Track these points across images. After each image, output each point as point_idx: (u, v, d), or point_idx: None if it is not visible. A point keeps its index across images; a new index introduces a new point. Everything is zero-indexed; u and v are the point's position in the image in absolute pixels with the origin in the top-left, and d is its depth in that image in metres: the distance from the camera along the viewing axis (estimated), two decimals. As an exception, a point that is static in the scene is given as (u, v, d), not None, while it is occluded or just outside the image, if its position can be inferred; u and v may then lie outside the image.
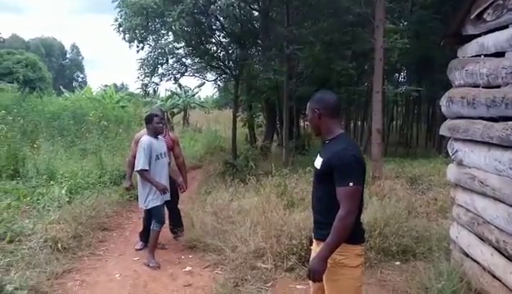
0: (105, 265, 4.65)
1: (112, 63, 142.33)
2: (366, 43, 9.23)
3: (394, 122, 21.62)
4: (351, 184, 2.13)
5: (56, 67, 61.55)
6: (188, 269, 4.52)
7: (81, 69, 71.92)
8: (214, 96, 33.22)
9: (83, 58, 73.92)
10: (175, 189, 5.39)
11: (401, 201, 5.90)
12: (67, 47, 70.78)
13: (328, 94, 2.46)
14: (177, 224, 5.49)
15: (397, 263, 4.44)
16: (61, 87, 26.17)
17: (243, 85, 11.30)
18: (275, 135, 16.36)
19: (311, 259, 2.39)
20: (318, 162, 2.35)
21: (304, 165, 9.78)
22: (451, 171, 3.53)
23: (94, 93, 23.28)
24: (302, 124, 18.51)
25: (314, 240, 2.46)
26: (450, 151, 3.45)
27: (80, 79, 67.91)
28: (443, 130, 3.47)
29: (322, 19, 9.74)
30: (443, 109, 3.45)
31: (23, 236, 4.77)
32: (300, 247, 4.34)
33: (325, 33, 9.26)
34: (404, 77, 20.15)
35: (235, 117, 10.21)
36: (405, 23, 13.00)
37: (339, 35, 9.71)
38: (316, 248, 2.40)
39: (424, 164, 10.09)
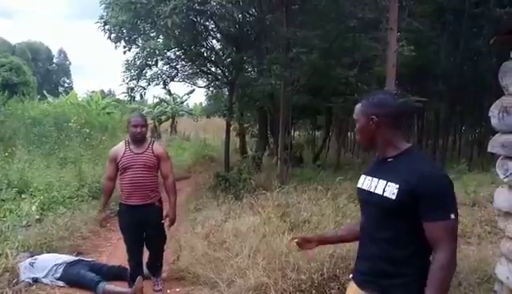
0: (73, 303, 3.88)
1: (101, 69, 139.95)
2: (368, 50, 8.64)
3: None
4: (452, 216, 1.59)
5: (42, 72, 60.05)
6: (175, 308, 3.78)
7: (68, 74, 70.23)
8: (203, 104, 32.66)
9: (70, 63, 72.15)
10: (156, 219, 4.12)
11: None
12: (54, 52, 69.34)
13: (389, 96, 1.92)
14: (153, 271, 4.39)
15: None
16: (45, 92, 25.10)
17: (238, 91, 10.59)
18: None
19: None
20: (382, 187, 1.70)
21: (302, 179, 9.14)
22: (502, 197, 2.87)
23: (80, 99, 22.34)
24: (292, 134, 17.98)
25: None
26: (501, 172, 2.80)
27: (66, 85, 66.15)
28: (494, 146, 2.82)
29: (321, 24, 9.15)
30: (494, 121, 2.80)
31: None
32: (310, 283, 3.63)
33: (324, 39, 8.66)
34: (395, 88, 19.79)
35: (228, 126, 9.52)
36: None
37: (339, 41, 9.12)
38: None
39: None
